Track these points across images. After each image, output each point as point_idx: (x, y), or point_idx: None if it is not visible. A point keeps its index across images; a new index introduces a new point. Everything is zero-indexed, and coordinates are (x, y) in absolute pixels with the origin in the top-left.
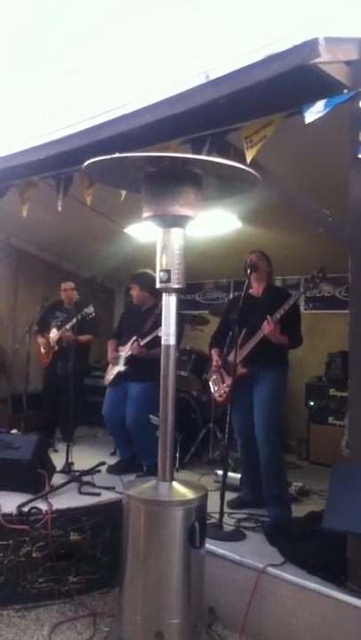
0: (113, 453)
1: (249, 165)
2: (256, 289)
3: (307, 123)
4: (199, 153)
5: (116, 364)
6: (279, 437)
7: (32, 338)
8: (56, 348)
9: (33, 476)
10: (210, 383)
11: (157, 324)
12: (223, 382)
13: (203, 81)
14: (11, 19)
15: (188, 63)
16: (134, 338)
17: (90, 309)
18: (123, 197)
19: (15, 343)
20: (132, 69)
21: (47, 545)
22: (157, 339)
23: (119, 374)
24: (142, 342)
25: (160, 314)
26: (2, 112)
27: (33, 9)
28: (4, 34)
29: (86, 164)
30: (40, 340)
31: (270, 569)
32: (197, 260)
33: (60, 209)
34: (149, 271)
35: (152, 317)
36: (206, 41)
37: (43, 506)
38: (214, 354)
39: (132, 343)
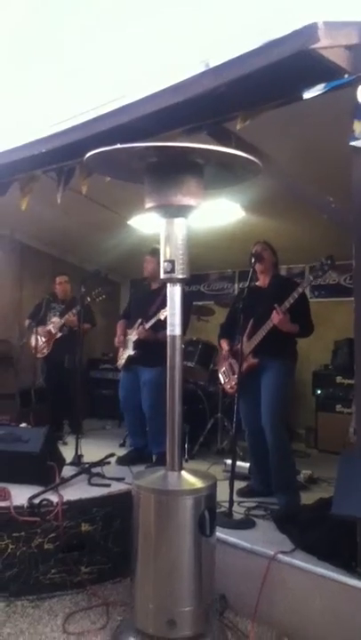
0: (122, 445)
1: (251, 153)
2: (263, 280)
3: (305, 98)
4: (198, 142)
5: (125, 347)
6: (286, 427)
7: (28, 333)
8: (58, 334)
9: (43, 469)
10: (220, 375)
11: (164, 305)
12: (234, 373)
13: (202, 69)
14: (11, 18)
15: (185, 50)
16: (139, 321)
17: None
18: (107, 180)
19: (22, 338)
20: (131, 63)
21: (59, 536)
22: (163, 320)
23: (130, 358)
24: (147, 325)
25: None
26: (1, 111)
27: (33, 9)
28: (3, 33)
29: (88, 155)
30: (39, 329)
31: (281, 556)
32: (202, 250)
33: (59, 201)
34: None
35: (159, 299)
36: (202, 26)
37: (53, 498)
38: (223, 343)
39: (138, 327)
